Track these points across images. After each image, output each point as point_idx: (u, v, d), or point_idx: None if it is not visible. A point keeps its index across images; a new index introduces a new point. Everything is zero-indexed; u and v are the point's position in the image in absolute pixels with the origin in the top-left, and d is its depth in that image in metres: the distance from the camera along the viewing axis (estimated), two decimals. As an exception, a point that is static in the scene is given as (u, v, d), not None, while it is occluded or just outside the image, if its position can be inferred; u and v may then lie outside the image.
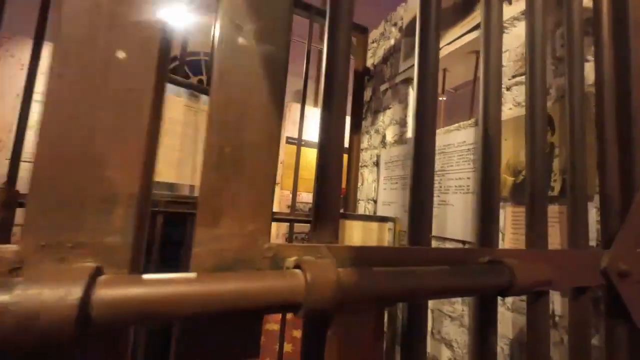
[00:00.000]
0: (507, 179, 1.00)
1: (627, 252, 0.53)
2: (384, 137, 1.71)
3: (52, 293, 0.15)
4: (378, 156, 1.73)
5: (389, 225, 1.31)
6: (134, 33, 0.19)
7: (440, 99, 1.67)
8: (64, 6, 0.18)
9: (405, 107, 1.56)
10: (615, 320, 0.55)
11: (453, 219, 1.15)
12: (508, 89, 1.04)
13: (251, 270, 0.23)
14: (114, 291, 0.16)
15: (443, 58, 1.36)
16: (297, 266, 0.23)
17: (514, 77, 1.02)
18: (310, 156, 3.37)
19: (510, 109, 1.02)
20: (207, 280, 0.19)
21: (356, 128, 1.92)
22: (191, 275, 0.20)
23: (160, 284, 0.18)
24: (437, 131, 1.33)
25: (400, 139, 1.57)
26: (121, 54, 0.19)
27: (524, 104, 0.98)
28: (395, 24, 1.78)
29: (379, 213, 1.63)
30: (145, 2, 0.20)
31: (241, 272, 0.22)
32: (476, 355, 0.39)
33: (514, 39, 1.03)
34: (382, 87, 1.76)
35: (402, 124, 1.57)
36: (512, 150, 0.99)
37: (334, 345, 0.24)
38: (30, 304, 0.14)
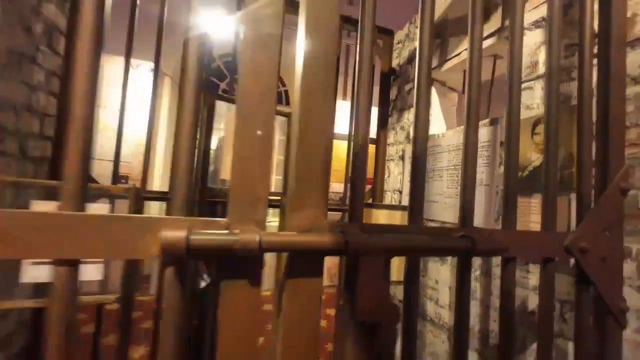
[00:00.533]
0: (516, 173, 1.12)
1: (589, 233, 0.68)
2: (408, 133, 1.87)
3: (250, 237, 0.38)
4: (403, 151, 1.89)
5: (412, 213, 1.50)
6: (266, 121, 0.42)
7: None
8: (238, 119, 0.41)
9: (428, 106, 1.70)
10: (582, 285, 0.71)
11: (469, 208, 1.31)
12: (518, 92, 1.15)
13: (318, 232, 0.45)
14: (269, 238, 0.39)
15: (464, 61, 1.48)
16: (341, 231, 0.45)
17: (523, 82, 1.14)
18: (338, 148, 3.55)
19: (520, 111, 1.13)
20: (300, 235, 0.42)
21: (383, 124, 2.08)
22: (293, 232, 0.42)
23: (285, 236, 0.40)
24: (456, 129, 1.47)
25: (424, 136, 1.72)
26: (259, 132, 0.42)
27: (532, 106, 1.11)
28: (419, 26, 1.90)
29: (404, 203, 1.81)
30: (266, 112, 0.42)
31: (314, 233, 0.44)
32: (458, 297, 0.59)
33: (524, 47, 1.14)
34: (407, 87, 1.90)
35: (425, 121, 1.71)
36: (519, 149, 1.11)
37: (362, 274, 0.45)
38: (244, 240, 0.37)
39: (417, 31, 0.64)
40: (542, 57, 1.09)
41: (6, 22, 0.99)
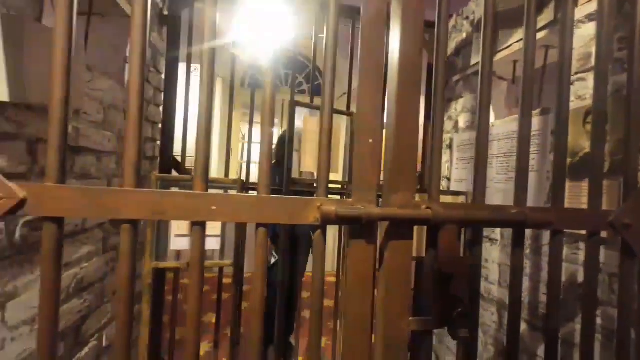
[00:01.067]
0: (567, 160, 1.20)
1: (633, 211, 0.79)
2: (456, 123, 1.95)
3: (371, 210, 0.58)
4: (451, 140, 1.99)
5: (462, 198, 1.62)
6: (375, 132, 0.61)
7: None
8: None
9: (477, 97, 1.76)
10: (626, 257, 0.82)
11: (519, 192, 1.40)
12: (571, 83, 1.21)
13: (410, 208, 0.64)
14: (382, 211, 0.59)
15: (516, 52, 1.53)
16: (427, 208, 0.63)
17: (576, 73, 1.20)
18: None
19: (572, 101, 1.20)
20: (402, 209, 0.61)
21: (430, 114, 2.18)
22: (396, 207, 0.62)
23: (392, 210, 0.60)
24: (506, 119, 1.56)
25: (472, 125, 1.81)
26: (371, 141, 0.61)
27: (584, 97, 1.17)
28: (467, 18, 1.94)
29: (452, 189, 1.92)
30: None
31: (406, 209, 0.64)
32: (512, 264, 0.75)
33: (578, 39, 1.19)
34: (455, 78, 1.97)
35: (474, 111, 1.79)
36: (571, 136, 1.18)
37: (442, 238, 0.64)
38: (368, 212, 0.58)
39: (482, 25, 0.77)
40: (595, 49, 1.14)
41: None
